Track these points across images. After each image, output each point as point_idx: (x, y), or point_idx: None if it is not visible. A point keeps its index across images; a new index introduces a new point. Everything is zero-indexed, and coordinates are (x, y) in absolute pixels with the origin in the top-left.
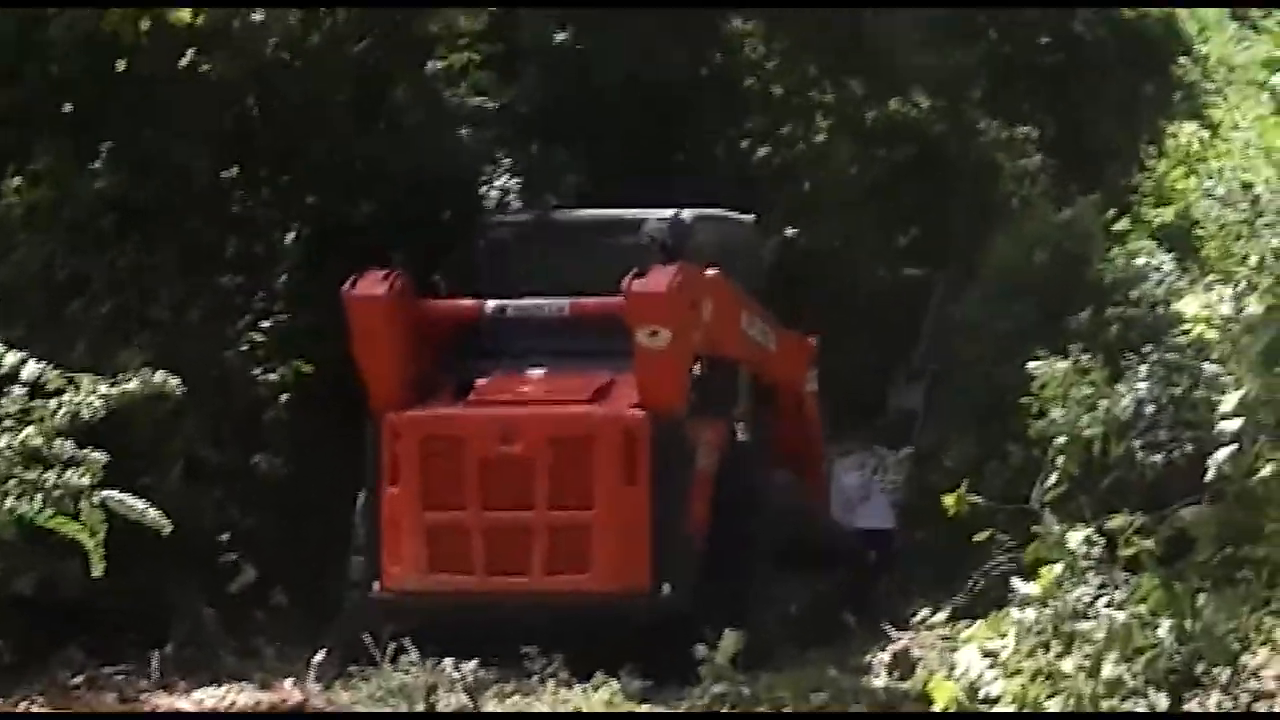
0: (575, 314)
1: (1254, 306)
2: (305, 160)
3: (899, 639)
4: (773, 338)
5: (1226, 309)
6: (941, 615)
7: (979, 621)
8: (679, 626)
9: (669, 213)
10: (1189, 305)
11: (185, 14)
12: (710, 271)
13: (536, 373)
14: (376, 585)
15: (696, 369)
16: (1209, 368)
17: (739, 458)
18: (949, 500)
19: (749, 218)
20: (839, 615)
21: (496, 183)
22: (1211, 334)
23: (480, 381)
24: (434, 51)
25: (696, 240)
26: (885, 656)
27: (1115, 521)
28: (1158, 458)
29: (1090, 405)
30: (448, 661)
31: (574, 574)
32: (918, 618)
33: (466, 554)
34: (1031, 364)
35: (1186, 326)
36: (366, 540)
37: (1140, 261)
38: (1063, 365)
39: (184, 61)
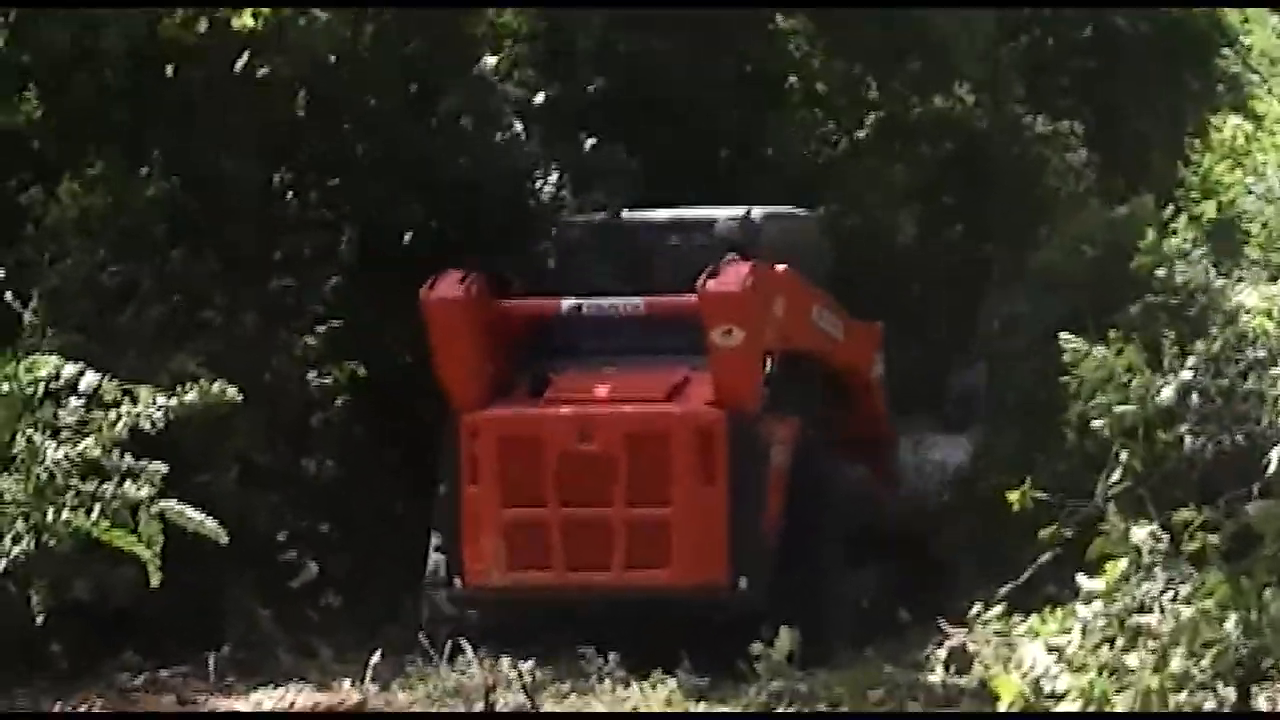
0: (650, 312)
1: None
2: (355, 163)
3: (954, 634)
4: (841, 327)
5: None
6: (995, 610)
7: (1037, 616)
8: (755, 621)
9: (739, 211)
10: (1248, 297)
11: (247, 17)
12: (780, 267)
13: (611, 371)
14: (458, 582)
15: (769, 366)
16: (1257, 356)
17: (812, 453)
18: (1013, 496)
19: (814, 214)
20: (895, 610)
21: (549, 180)
22: (1270, 325)
23: (556, 380)
24: (481, 51)
25: (766, 238)
26: (942, 653)
27: (1181, 516)
28: (1208, 448)
29: (1129, 393)
30: (505, 661)
31: (652, 569)
32: (972, 612)
33: (546, 550)
34: (1067, 346)
35: (1245, 318)
36: (447, 537)
37: (1180, 250)
38: (1102, 350)
39: (239, 65)
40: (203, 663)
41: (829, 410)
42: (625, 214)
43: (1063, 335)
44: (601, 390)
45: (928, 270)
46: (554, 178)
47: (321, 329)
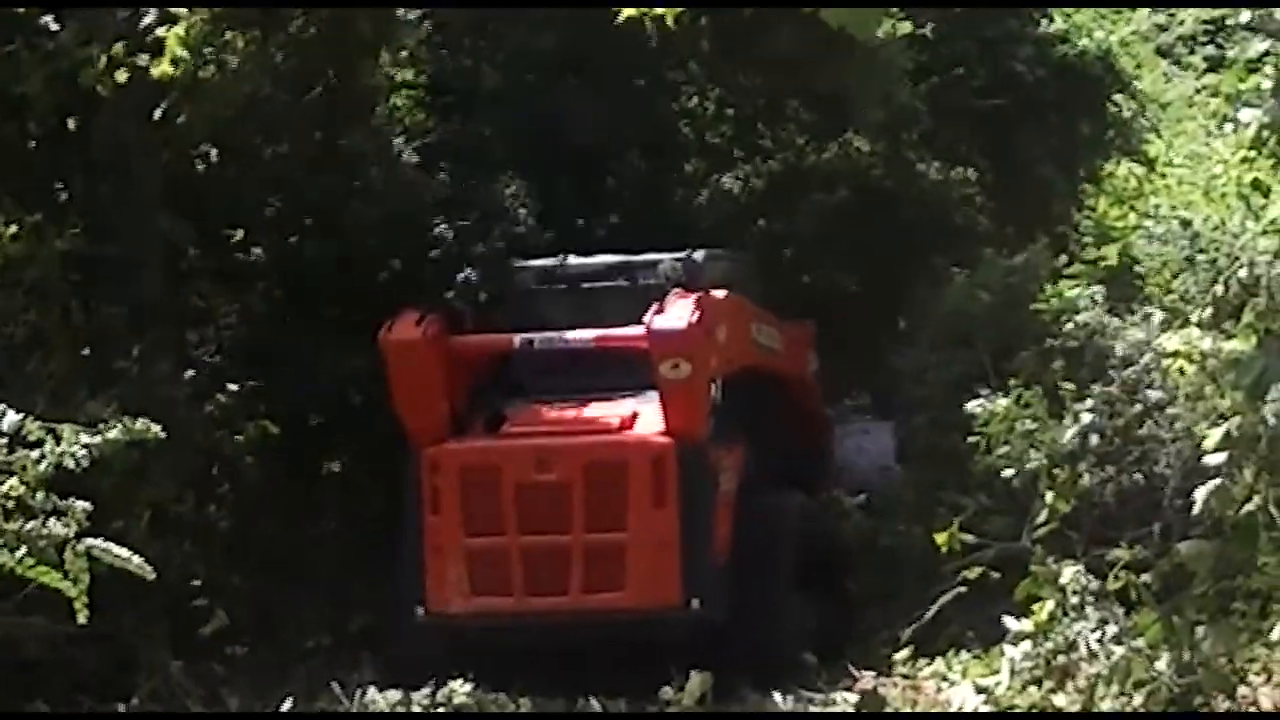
0: (600, 347)
1: (1238, 342)
2: (264, 211)
3: (864, 677)
4: (778, 337)
5: (1207, 344)
6: (903, 653)
7: (959, 656)
8: (707, 639)
9: (681, 254)
10: (1170, 341)
11: (166, 65)
12: (720, 293)
13: (565, 404)
14: (421, 610)
15: (715, 392)
16: (1154, 395)
17: (756, 481)
18: (941, 539)
19: (747, 255)
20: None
21: (456, 223)
22: (1189, 368)
23: (511, 414)
24: (379, 97)
25: (706, 276)
26: (852, 696)
27: (1118, 554)
28: (1108, 488)
29: (1033, 440)
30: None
31: (609, 592)
32: (882, 654)
33: (506, 576)
34: (972, 404)
35: (1164, 361)
36: (410, 567)
37: (1074, 293)
38: (1004, 402)
39: (156, 114)
40: (113, 715)
41: (771, 425)
42: (571, 259)
43: (970, 406)
44: (557, 422)
45: (828, 318)
46: (461, 219)
47: (233, 383)
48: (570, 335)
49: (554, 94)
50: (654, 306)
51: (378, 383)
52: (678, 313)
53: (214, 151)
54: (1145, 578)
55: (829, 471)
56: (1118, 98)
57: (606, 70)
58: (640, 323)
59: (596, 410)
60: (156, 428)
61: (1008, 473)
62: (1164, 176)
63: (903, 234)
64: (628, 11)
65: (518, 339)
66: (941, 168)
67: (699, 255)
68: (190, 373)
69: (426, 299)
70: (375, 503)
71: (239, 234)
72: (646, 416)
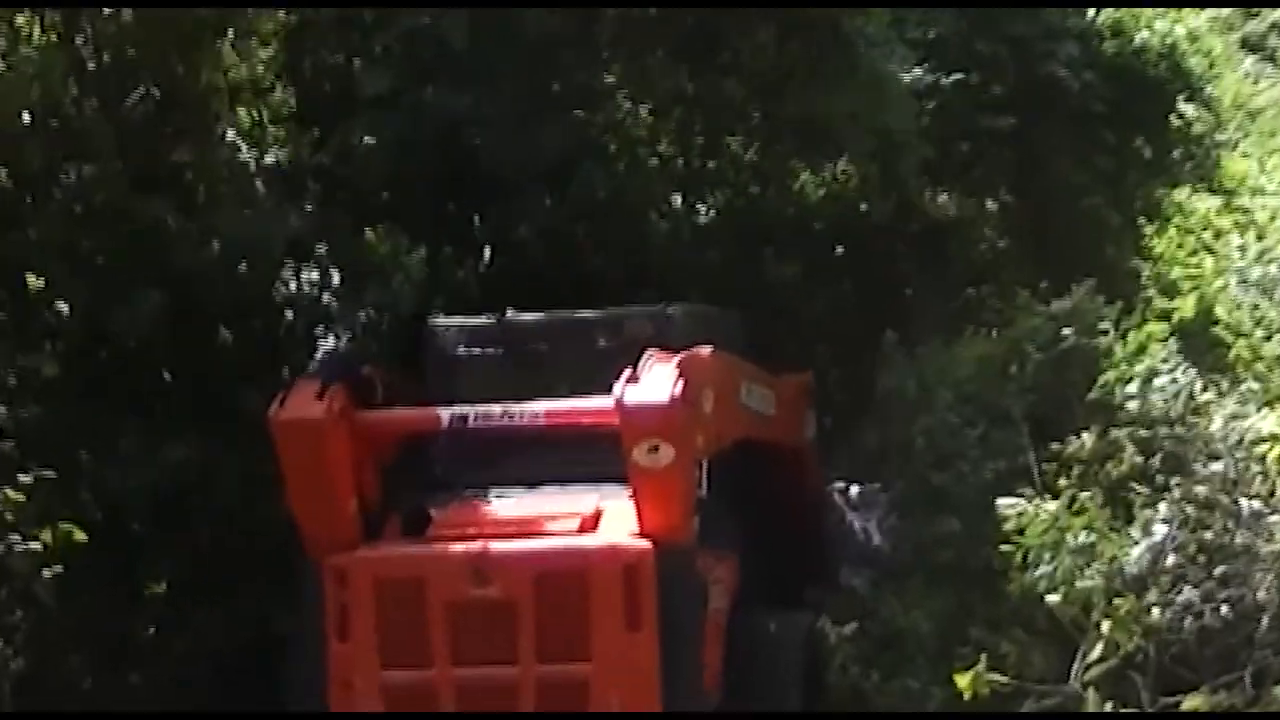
0: (553, 425)
1: None
2: (70, 252)
3: None
4: (771, 399)
5: None
6: None
7: None
8: None
9: (649, 310)
10: (1265, 422)
11: None
12: (703, 351)
13: (508, 498)
14: None
15: (702, 482)
16: (1249, 505)
17: (753, 594)
18: (963, 681)
19: (731, 311)
20: None
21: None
22: None
23: (440, 511)
24: (219, 107)
25: (682, 335)
26: None
27: (1195, 702)
28: (1185, 622)
29: (1090, 556)
30: None
31: None
32: None
33: (446, 714)
34: (1004, 501)
35: (1255, 449)
36: (307, 709)
37: (1146, 366)
38: (1051, 506)
39: None
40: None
41: (764, 514)
42: (512, 317)
43: (1002, 504)
44: (499, 523)
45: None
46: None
47: (24, 473)
48: (515, 409)
49: (455, 103)
50: (623, 374)
51: (220, 474)
52: (655, 381)
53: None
54: None
55: (828, 564)
56: (1186, 106)
57: (525, 72)
58: (605, 394)
59: (550, 506)
60: None
61: (1053, 598)
62: (1248, 211)
63: (898, 280)
64: None
65: (446, 414)
66: (952, 199)
67: (675, 309)
68: None
69: (279, 367)
70: (229, 633)
71: (36, 281)
72: (615, 514)
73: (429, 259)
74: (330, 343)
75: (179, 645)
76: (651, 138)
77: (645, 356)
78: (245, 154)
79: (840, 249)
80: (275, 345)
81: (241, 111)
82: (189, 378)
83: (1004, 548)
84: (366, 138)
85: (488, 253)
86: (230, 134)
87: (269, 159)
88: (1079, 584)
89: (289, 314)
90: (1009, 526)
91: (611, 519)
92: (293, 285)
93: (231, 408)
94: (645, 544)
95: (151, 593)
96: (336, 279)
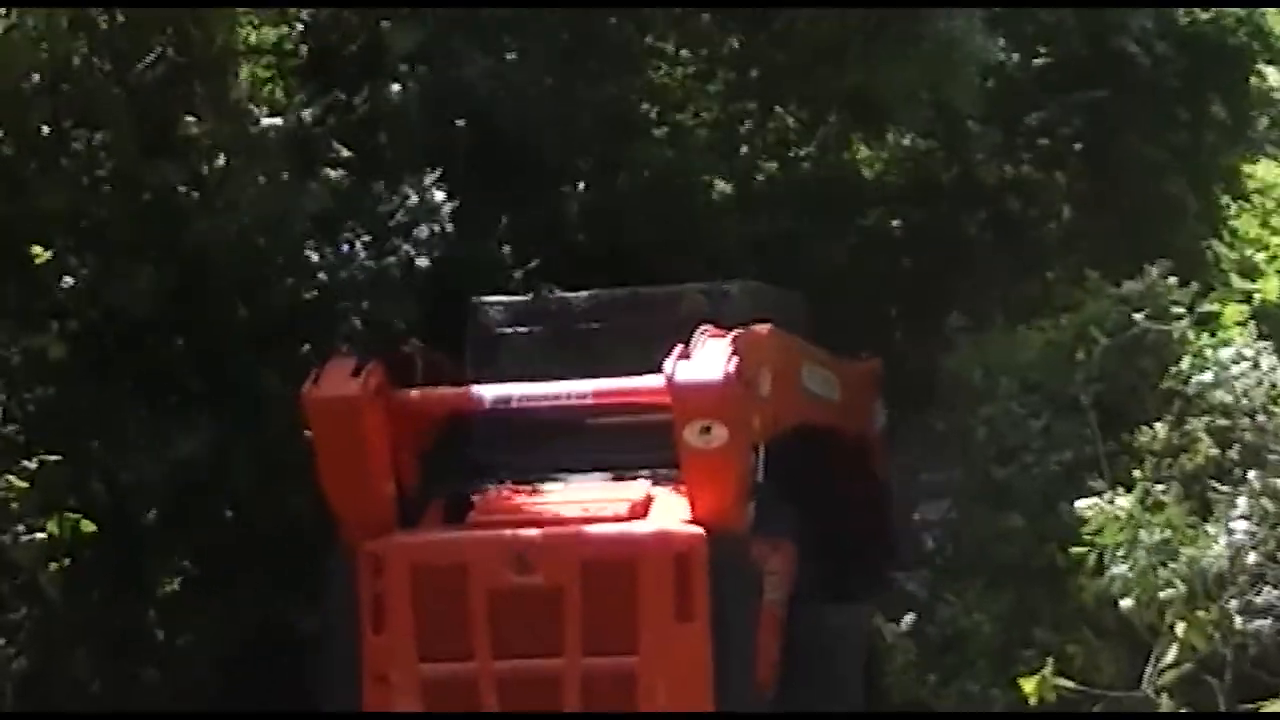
0: (600, 405)
1: None
2: (78, 224)
3: None
4: (835, 384)
5: None
6: None
7: None
8: None
9: (705, 286)
10: None
11: None
12: (761, 329)
13: (553, 483)
14: None
15: (758, 467)
16: None
17: (811, 585)
18: (1028, 686)
19: (793, 290)
20: None
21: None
22: None
23: (481, 496)
24: (234, 66)
25: (740, 314)
26: None
27: (1277, 708)
28: (1266, 624)
29: (1167, 554)
30: None
31: None
32: None
33: (476, 715)
34: (1082, 502)
35: None
36: (340, 704)
37: (1229, 354)
38: (1125, 502)
39: None
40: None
41: (826, 504)
42: (560, 295)
43: (1080, 505)
44: (542, 507)
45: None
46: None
47: (29, 459)
48: (560, 389)
49: (488, 63)
50: (675, 351)
51: (237, 460)
52: (708, 358)
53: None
54: None
55: (894, 558)
56: (1269, 72)
57: (567, 32)
58: (656, 373)
59: (597, 491)
60: None
61: (1126, 602)
62: None
63: (964, 259)
64: None
65: (489, 395)
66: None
67: (732, 286)
68: None
69: (299, 346)
70: (246, 629)
71: (42, 254)
72: (665, 500)
73: (463, 233)
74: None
75: (192, 643)
76: (696, 104)
77: (699, 333)
78: (264, 120)
79: (899, 224)
80: (295, 323)
81: (261, 74)
82: (203, 358)
83: (1076, 550)
84: (394, 98)
85: (526, 227)
86: (248, 99)
87: (289, 124)
88: (1156, 587)
89: (310, 290)
90: (1088, 528)
91: (662, 505)
92: (314, 259)
93: (249, 389)
94: (697, 530)
95: (163, 587)
96: (362, 253)
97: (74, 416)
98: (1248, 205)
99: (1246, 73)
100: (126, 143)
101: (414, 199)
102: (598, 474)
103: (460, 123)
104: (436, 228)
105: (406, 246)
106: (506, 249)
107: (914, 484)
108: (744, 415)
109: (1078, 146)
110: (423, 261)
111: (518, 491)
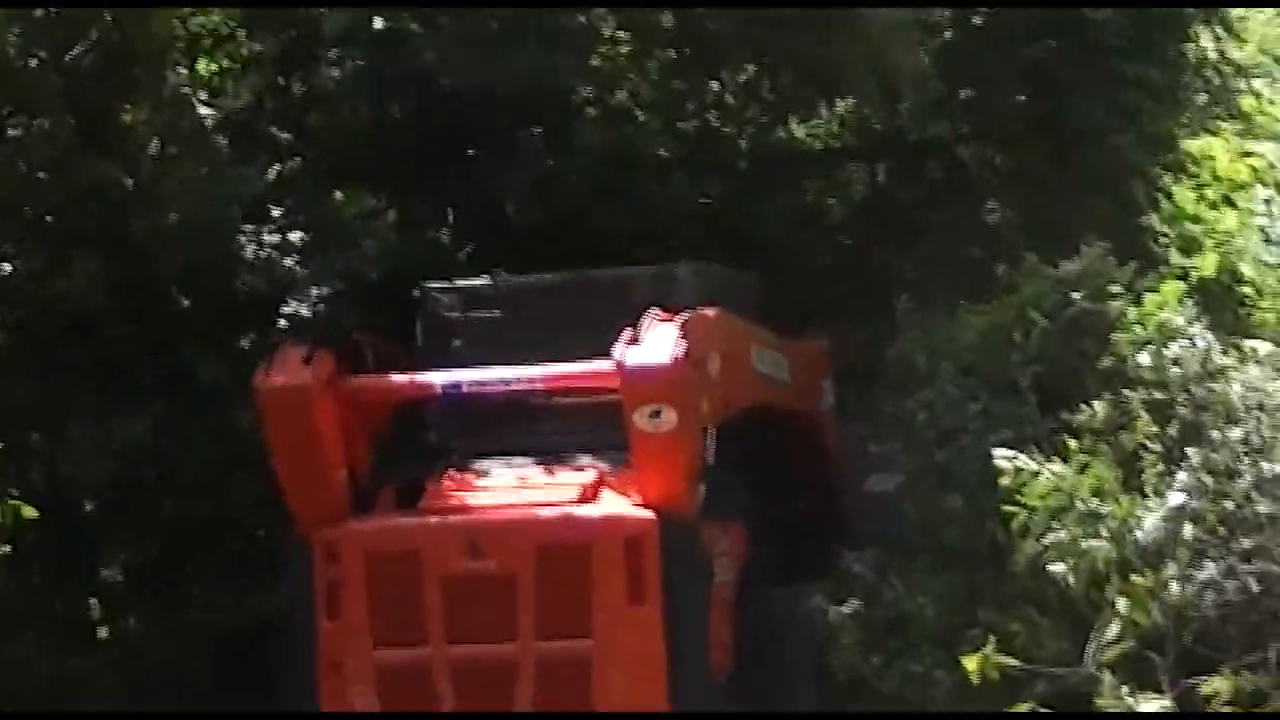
0: (551, 390)
1: None
2: (6, 210)
3: None
4: (785, 365)
5: None
6: None
7: None
8: None
9: (655, 269)
10: None
11: None
12: (709, 312)
13: (505, 468)
14: None
15: (708, 449)
16: (1273, 469)
17: (766, 570)
18: (971, 663)
19: (745, 271)
20: None
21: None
22: None
23: (434, 482)
24: (171, 57)
25: (692, 297)
26: None
27: (1219, 685)
28: (1206, 598)
29: (1097, 524)
30: None
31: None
32: None
33: (431, 701)
34: (1000, 452)
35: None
36: (296, 690)
37: (1165, 329)
38: (1058, 469)
39: None
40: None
41: (776, 486)
42: (511, 278)
43: (999, 457)
44: (495, 493)
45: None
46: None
47: None
48: (511, 375)
49: (423, 38)
50: (624, 335)
51: (180, 450)
52: (657, 343)
53: None
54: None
55: (847, 536)
56: (1201, 34)
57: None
58: (606, 357)
59: (548, 476)
60: None
61: (1057, 568)
62: (1274, 163)
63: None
64: None
65: (440, 381)
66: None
67: (681, 268)
68: None
69: (240, 336)
70: (193, 617)
71: None
72: (616, 483)
73: (405, 217)
74: (295, 308)
75: (140, 631)
76: (634, 85)
77: (647, 317)
78: (203, 108)
79: (838, 200)
80: (236, 313)
81: (199, 63)
82: (147, 347)
83: (1007, 509)
84: (332, 80)
85: (469, 209)
86: (186, 87)
87: (227, 113)
88: (1087, 551)
89: (250, 279)
90: (1005, 482)
91: (613, 489)
92: (254, 248)
93: (193, 378)
94: (648, 514)
95: (107, 576)
96: (302, 240)
97: (14, 408)
98: (1187, 178)
99: (1183, 37)
100: (62, 132)
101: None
102: (549, 458)
103: (396, 108)
104: (376, 237)
105: (347, 253)
106: (446, 233)
107: (864, 456)
108: (693, 399)
109: (1020, 108)
110: (367, 253)
111: (470, 477)
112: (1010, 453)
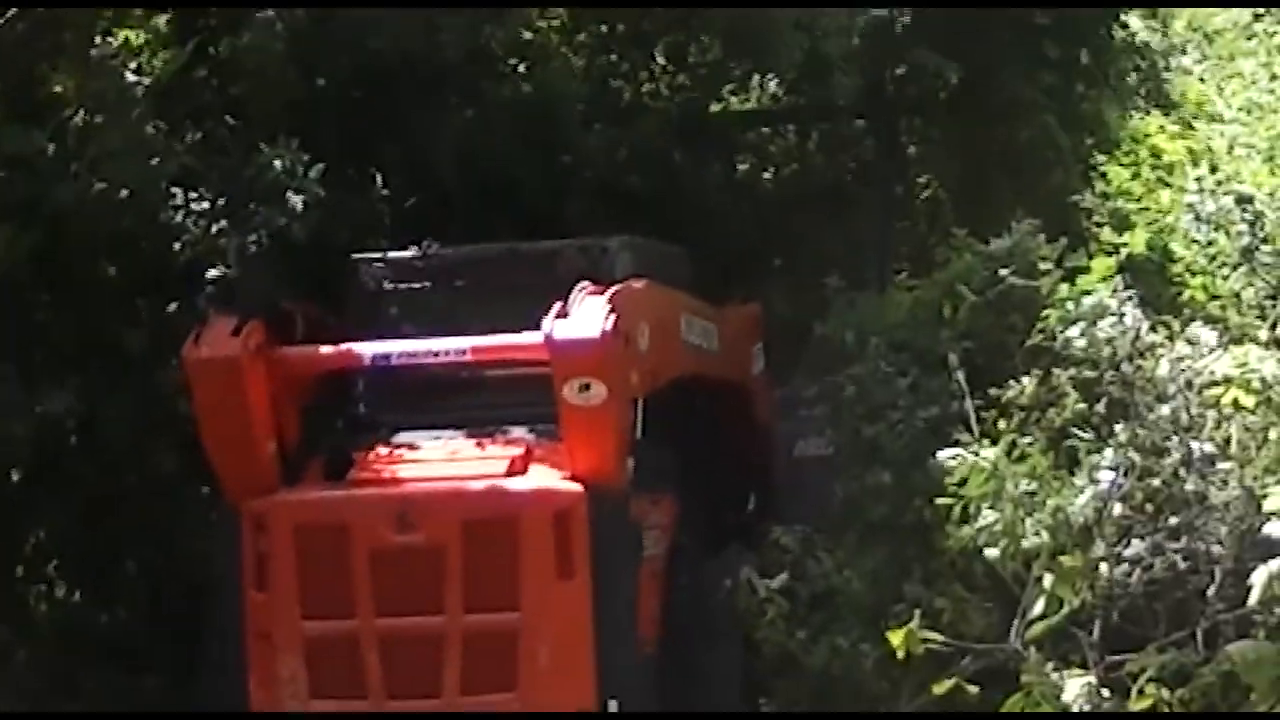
0: (479, 362)
1: None
2: None
3: None
4: (714, 333)
5: (1271, 369)
6: None
7: None
8: None
9: (585, 242)
10: (1220, 364)
11: None
12: (638, 284)
13: (434, 441)
14: None
15: (637, 422)
16: (1200, 448)
17: (692, 539)
18: (896, 639)
19: (675, 245)
20: None
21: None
22: (1247, 399)
23: (363, 453)
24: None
25: (622, 270)
26: None
27: (1145, 661)
28: (1133, 576)
29: (1030, 507)
30: None
31: (497, 693)
32: None
33: (358, 673)
34: (945, 452)
35: (1213, 390)
36: (222, 664)
37: (1094, 305)
38: (991, 453)
39: None
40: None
41: (705, 456)
42: (439, 250)
43: (942, 455)
44: (423, 464)
45: None
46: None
47: None
48: (440, 346)
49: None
50: (553, 308)
51: (106, 421)
52: (586, 316)
53: None
54: (1182, 693)
55: (771, 506)
56: (1132, 18)
57: None
58: (534, 329)
59: (477, 449)
60: None
61: (991, 552)
62: (1204, 138)
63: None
64: None
65: (369, 352)
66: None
67: (612, 242)
68: None
69: (165, 306)
70: (120, 589)
71: None
72: (545, 456)
73: (334, 178)
74: (217, 273)
75: (67, 602)
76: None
77: (577, 290)
78: (129, 77)
79: (770, 175)
80: (162, 280)
81: (126, 32)
82: (71, 317)
83: (942, 501)
84: (251, 43)
85: (398, 174)
86: (114, 55)
87: (154, 82)
88: (1021, 537)
89: (177, 247)
90: (951, 479)
91: (542, 461)
92: (180, 216)
93: (117, 348)
94: (577, 488)
95: (35, 544)
96: (229, 201)
97: None
98: (1118, 155)
99: (1110, 17)
100: None
101: (281, 161)
102: (478, 430)
103: (325, 73)
104: (304, 192)
105: (273, 210)
106: (377, 199)
107: (793, 418)
108: (623, 372)
109: (948, 86)
110: (292, 223)
111: (398, 449)
112: (953, 450)
